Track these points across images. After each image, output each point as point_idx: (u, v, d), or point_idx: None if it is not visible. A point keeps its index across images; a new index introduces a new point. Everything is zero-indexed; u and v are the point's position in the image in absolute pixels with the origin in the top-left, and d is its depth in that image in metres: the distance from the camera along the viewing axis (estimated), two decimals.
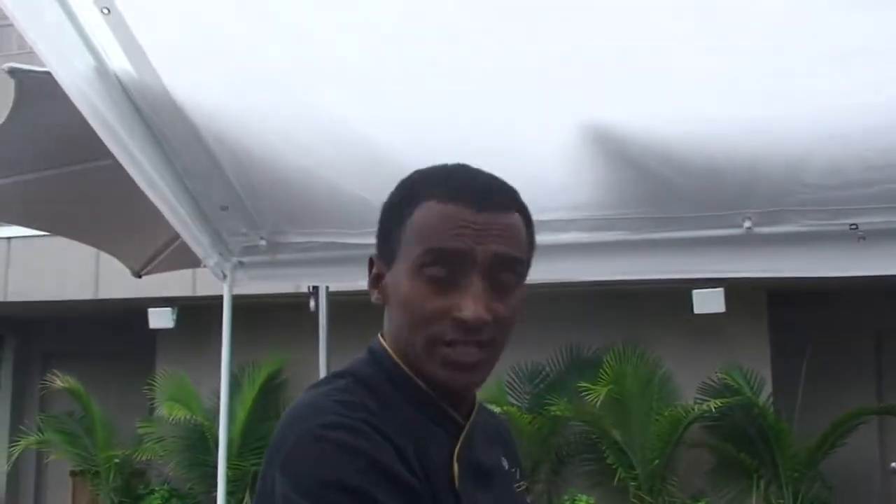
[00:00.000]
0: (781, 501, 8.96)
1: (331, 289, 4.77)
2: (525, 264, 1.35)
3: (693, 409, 9.12)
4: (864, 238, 3.05)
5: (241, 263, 3.55)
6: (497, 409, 9.76)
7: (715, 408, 8.92)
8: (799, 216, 3.03)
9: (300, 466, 1.20)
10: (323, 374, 4.71)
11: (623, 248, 3.22)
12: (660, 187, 2.97)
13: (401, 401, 1.31)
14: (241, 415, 10.26)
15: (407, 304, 1.29)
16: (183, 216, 3.20)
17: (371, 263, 1.40)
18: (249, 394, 10.37)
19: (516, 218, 1.35)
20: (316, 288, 4.53)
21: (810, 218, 3.02)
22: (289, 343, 9.86)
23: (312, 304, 4.63)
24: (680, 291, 8.70)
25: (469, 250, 1.27)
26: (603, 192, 3.06)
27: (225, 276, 3.55)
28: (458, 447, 1.33)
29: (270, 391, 10.57)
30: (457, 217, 1.27)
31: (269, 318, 10.28)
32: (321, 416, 1.23)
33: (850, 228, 3.02)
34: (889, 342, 10.09)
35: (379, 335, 1.41)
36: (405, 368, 1.33)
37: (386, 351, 1.36)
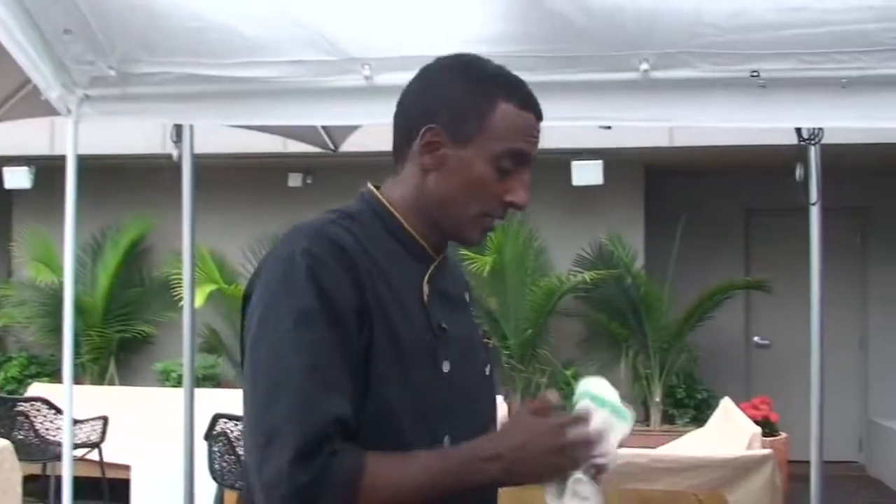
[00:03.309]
0: (648, 371, 9.12)
1: (196, 150, 4.40)
2: None
3: (567, 280, 9.13)
4: (764, 86, 2.88)
5: (87, 97, 3.17)
6: None
7: (589, 279, 8.94)
8: (698, 59, 2.84)
9: (270, 282, 1.52)
10: (187, 235, 4.35)
11: None
12: (560, 23, 2.73)
13: (383, 232, 1.62)
14: (105, 281, 9.82)
15: (476, 183, 1.60)
16: (20, 40, 2.81)
17: (426, 131, 1.60)
18: (113, 259, 9.91)
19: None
20: (179, 133, 4.13)
21: (710, 62, 2.84)
22: (155, 207, 9.41)
23: (175, 153, 4.24)
24: (559, 163, 8.58)
25: (531, 153, 1.62)
26: (501, 26, 2.81)
27: (70, 111, 3.16)
28: (428, 272, 1.64)
29: (135, 257, 10.12)
30: (530, 125, 1.62)
31: (134, 179, 9.79)
32: (300, 241, 1.51)
33: (752, 75, 2.85)
34: (757, 219, 10.26)
35: (370, 186, 1.69)
36: (392, 210, 1.64)
37: (376, 196, 1.66)
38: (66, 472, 3.66)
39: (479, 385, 1.72)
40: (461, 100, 1.61)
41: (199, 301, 8.96)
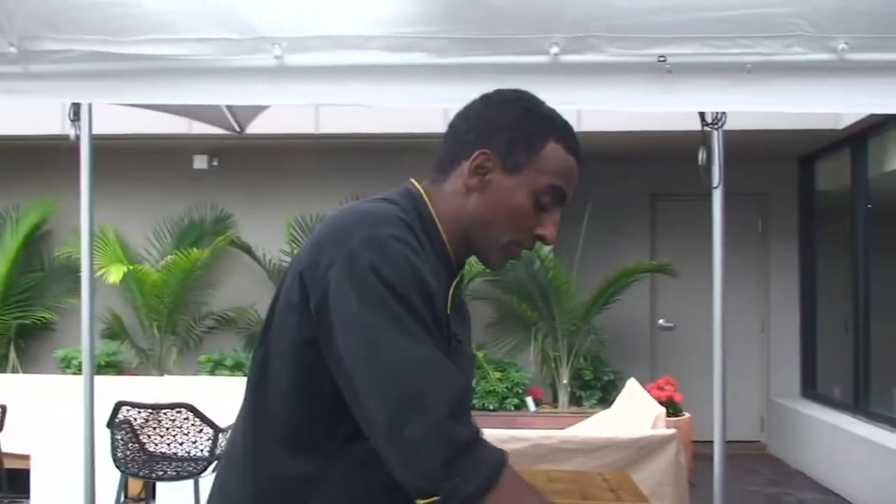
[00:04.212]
0: (557, 353, 9.23)
1: (98, 131, 4.29)
2: None
3: (476, 264, 9.14)
4: (670, 71, 2.93)
5: None
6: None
7: None
8: (607, 44, 2.87)
9: (364, 259, 1.52)
10: (86, 218, 4.23)
11: (425, 73, 2.98)
12: (469, 3, 2.73)
13: (423, 236, 1.66)
14: (3, 266, 9.54)
15: (514, 211, 1.70)
16: None
17: (479, 154, 1.70)
18: (12, 243, 9.62)
19: None
20: (77, 113, 4.02)
21: (618, 46, 2.87)
22: (57, 189, 9.16)
23: (73, 132, 4.13)
24: None
25: (569, 193, 1.74)
26: (413, 6, 2.80)
27: None
28: (454, 283, 1.73)
29: (35, 241, 9.84)
30: (572, 168, 1.73)
31: (35, 161, 9.50)
32: (387, 226, 1.58)
33: (658, 60, 2.90)
34: (661, 204, 10.45)
35: (416, 183, 1.77)
36: (436, 217, 1.72)
37: (423, 200, 1.73)
38: None
39: (470, 388, 1.79)
40: (518, 131, 1.71)
41: (115, 278, 8.80)
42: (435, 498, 1.45)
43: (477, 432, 1.49)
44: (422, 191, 1.76)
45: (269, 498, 1.63)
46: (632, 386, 6.92)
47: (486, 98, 1.78)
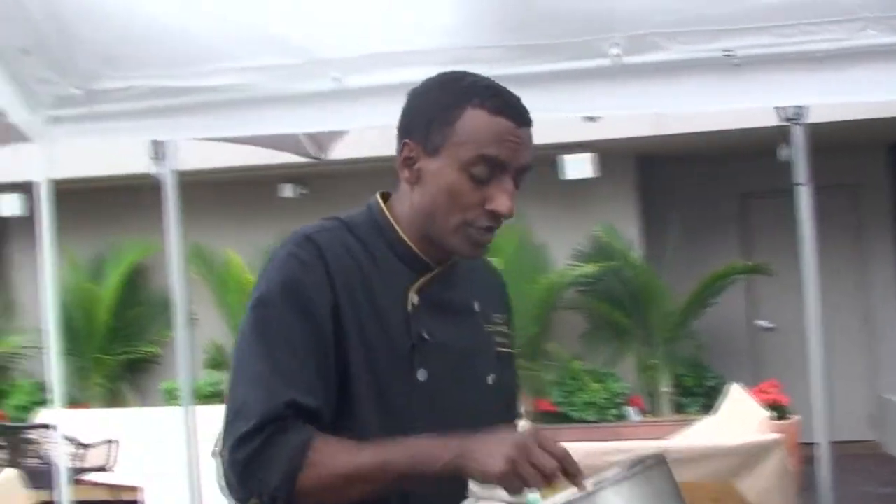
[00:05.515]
0: (655, 360, 9.02)
1: (179, 167, 4.32)
2: None
3: (566, 274, 9.05)
4: (739, 66, 2.79)
5: (54, 118, 3.07)
6: None
7: (588, 272, 8.87)
8: (669, 41, 2.74)
9: (259, 279, 1.62)
10: (174, 253, 4.33)
11: None
12: (521, 9, 2.64)
13: (380, 241, 1.66)
14: (108, 303, 9.76)
15: (450, 192, 1.59)
16: None
17: (403, 145, 1.65)
18: (115, 280, 9.84)
19: (532, 131, 1.64)
20: (158, 150, 4.05)
21: (681, 42, 2.73)
22: (152, 225, 9.30)
23: (155, 170, 4.17)
24: (545, 158, 8.50)
25: (510, 159, 1.59)
26: (460, 17, 2.72)
27: (36, 135, 3.06)
28: (418, 282, 1.65)
29: (136, 276, 10.05)
30: (505, 130, 1.58)
31: (128, 197, 9.68)
32: (288, 245, 1.61)
33: (725, 54, 2.76)
34: (753, 203, 10.15)
35: (378, 195, 1.72)
36: (391, 220, 1.68)
37: (379, 206, 1.70)
38: (65, 496, 3.60)
39: (472, 394, 1.70)
40: (430, 110, 1.63)
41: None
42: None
43: (274, 436, 1.50)
44: (379, 199, 1.72)
45: None
46: (734, 390, 6.71)
47: (411, 89, 1.71)
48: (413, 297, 1.65)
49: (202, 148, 4.92)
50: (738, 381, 6.98)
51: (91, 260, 10.01)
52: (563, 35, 2.74)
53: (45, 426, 6.83)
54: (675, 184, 9.77)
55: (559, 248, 9.40)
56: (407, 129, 1.66)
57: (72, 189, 7.84)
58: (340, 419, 1.57)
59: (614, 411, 8.79)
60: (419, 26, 2.78)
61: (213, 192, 9.41)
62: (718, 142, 8.84)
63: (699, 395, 9.07)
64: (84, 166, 8.38)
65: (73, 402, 9.17)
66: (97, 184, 9.63)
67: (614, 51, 2.75)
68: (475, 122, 1.59)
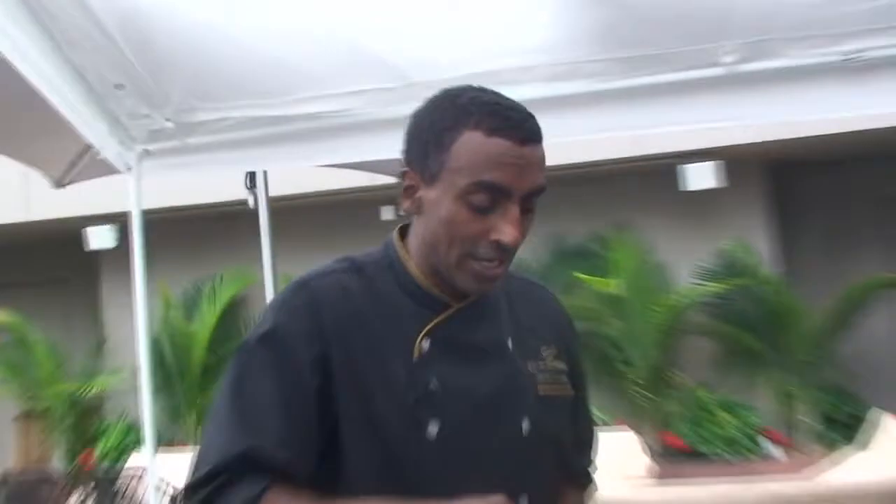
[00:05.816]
0: (792, 388, 8.89)
1: (272, 192, 4.50)
2: None
3: (690, 294, 9.00)
4: (860, 69, 2.80)
5: (147, 152, 3.27)
6: None
7: (716, 291, 8.81)
8: (786, 46, 2.78)
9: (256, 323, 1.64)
10: (269, 285, 4.51)
11: (589, 101, 2.97)
12: (625, 18, 2.71)
13: (392, 282, 1.64)
14: (204, 336, 10.09)
15: (448, 224, 1.54)
16: (70, 99, 2.93)
17: (403, 174, 1.61)
18: (210, 315, 10.18)
19: (543, 147, 1.58)
20: (253, 180, 4.24)
21: (799, 47, 2.77)
22: (248, 255, 9.59)
23: (251, 200, 4.35)
24: (664, 168, 8.49)
25: (513, 184, 1.52)
26: (561, 30, 2.80)
27: (130, 168, 3.28)
28: (428, 326, 1.60)
29: (231, 309, 10.37)
30: (504, 153, 1.51)
31: (225, 226, 10.01)
32: (285, 292, 1.62)
33: (845, 59, 2.78)
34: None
35: (395, 230, 1.70)
36: (403, 259, 1.65)
37: (394, 244, 1.68)
38: None
39: (499, 447, 1.62)
40: (425, 134, 1.59)
41: None
42: None
43: (217, 491, 1.51)
44: (395, 233, 1.71)
45: None
46: (888, 422, 6.57)
47: (413, 111, 1.66)
48: (423, 343, 1.60)
49: (293, 173, 5.09)
50: (886, 408, 6.84)
51: (185, 293, 10.35)
52: (670, 44, 2.79)
53: (135, 475, 7.08)
54: (810, 191, 9.64)
55: (683, 266, 9.35)
56: (406, 156, 1.62)
57: (164, 218, 8.16)
58: (333, 475, 1.56)
59: (748, 444, 8.69)
60: (516, 42, 2.87)
61: (305, 218, 9.64)
62: (856, 143, 8.70)
63: (845, 427, 8.89)
64: (176, 195, 8.73)
65: (166, 441, 9.48)
66: (189, 212, 9.98)
67: (728, 58, 2.80)
68: (470, 145, 1.53)
